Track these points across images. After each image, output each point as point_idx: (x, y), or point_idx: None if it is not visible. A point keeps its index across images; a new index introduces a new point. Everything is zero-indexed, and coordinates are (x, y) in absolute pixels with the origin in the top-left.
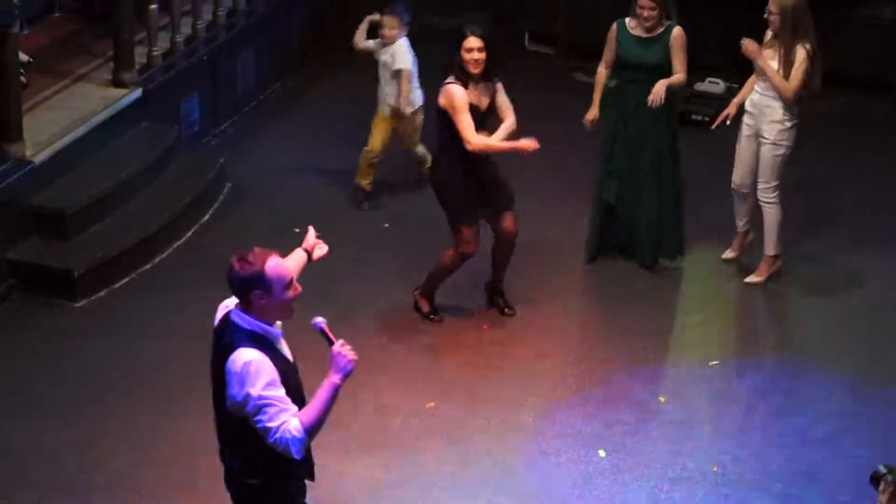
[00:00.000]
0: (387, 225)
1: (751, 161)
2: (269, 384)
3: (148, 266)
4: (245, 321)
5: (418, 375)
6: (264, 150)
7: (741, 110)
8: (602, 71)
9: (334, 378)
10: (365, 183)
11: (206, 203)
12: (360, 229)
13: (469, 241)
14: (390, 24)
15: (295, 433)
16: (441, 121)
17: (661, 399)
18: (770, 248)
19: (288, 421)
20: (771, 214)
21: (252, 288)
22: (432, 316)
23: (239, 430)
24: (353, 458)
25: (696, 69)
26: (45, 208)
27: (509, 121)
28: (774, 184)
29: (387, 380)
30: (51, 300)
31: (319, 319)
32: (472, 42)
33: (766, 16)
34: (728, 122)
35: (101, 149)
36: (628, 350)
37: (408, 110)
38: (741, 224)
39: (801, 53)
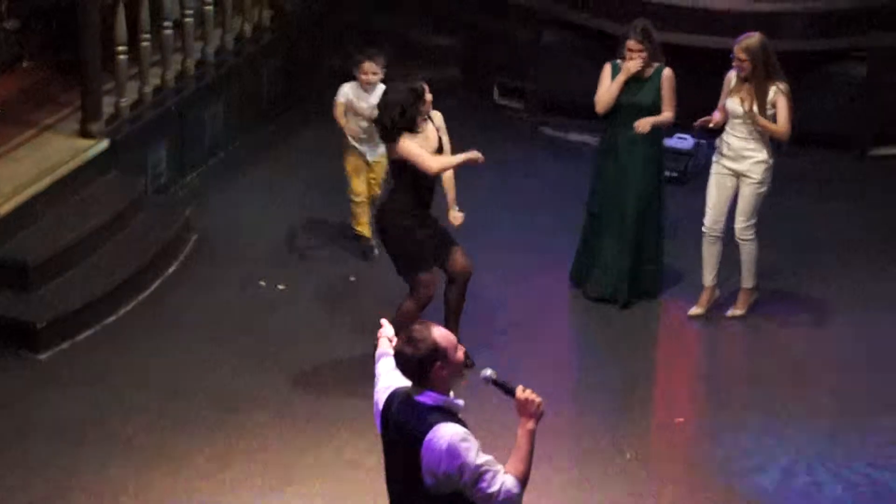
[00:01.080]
0: (352, 278)
1: (726, 202)
2: (479, 451)
3: (112, 318)
4: (431, 398)
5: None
6: (231, 202)
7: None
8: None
9: (529, 425)
10: (361, 229)
11: (172, 255)
12: (326, 281)
13: (428, 284)
14: (373, 70)
15: (514, 489)
16: (394, 172)
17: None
18: (749, 281)
19: (504, 481)
20: (750, 250)
21: (433, 362)
22: None
23: None
24: None
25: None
26: (7, 260)
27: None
28: (754, 221)
29: (348, 434)
30: (13, 352)
31: (489, 372)
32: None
33: (734, 63)
34: (711, 125)
35: (67, 200)
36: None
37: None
38: (710, 277)
39: (781, 93)
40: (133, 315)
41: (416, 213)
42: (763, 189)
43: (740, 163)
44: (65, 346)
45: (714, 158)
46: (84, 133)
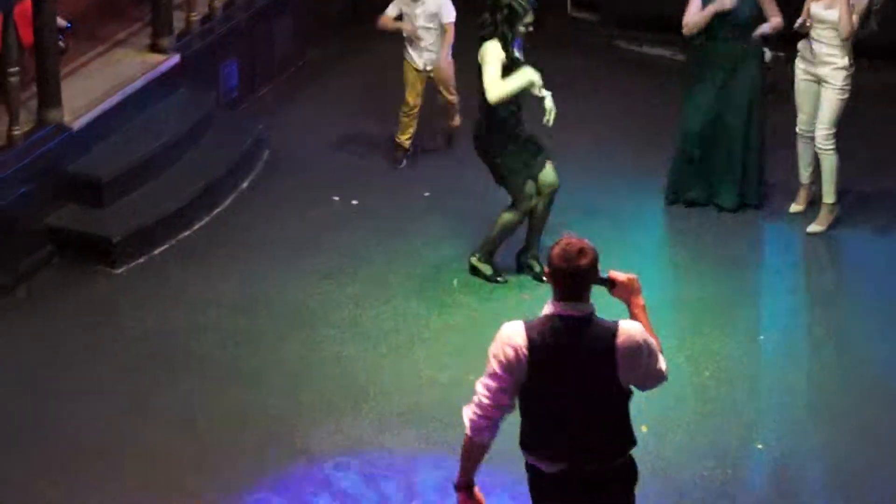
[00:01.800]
0: (427, 194)
1: (814, 104)
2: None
3: (186, 233)
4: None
5: (457, 347)
6: (304, 117)
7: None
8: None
9: (640, 301)
10: (404, 138)
11: (245, 170)
12: (400, 198)
13: (529, 196)
14: None
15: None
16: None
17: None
18: (830, 196)
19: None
20: (831, 161)
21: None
22: (498, 278)
23: (622, 411)
24: (393, 433)
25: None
26: (82, 175)
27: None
28: (835, 130)
29: (425, 352)
30: (90, 266)
31: None
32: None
33: None
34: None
35: (138, 115)
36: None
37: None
38: (806, 175)
39: None
40: (207, 230)
41: (509, 127)
42: (845, 95)
43: (821, 68)
44: (141, 260)
45: (797, 63)
46: (155, 48)
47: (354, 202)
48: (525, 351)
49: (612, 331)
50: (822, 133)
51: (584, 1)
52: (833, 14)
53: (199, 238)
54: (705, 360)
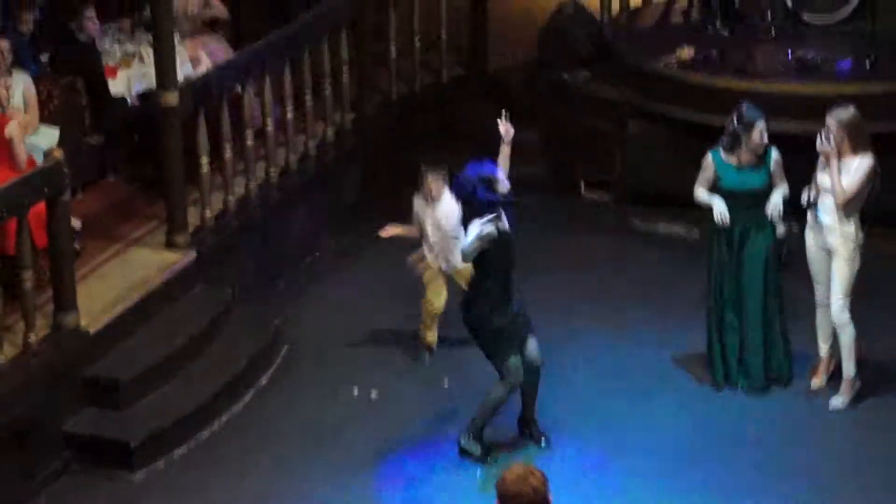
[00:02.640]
0: (446, 386)
1: (827, 272)
2: None
3: (206, 433)
4: None
5: None
6: (320, 310)
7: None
8: (700, 189)
9: None
10: (430, 337)
11: (263, 366)
12: (418, 387)
13: (517, 369)
14: (437, 181)
15: None
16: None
17: None
18: (851, 368)
19: None
20: (848, 333)
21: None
22: (488, 457)
23: None
24: None
25: None
26: (100, 378)
27: None
28: (848, 301)
29: None
30: (109, 472)
31: None
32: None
33: (824, 132)
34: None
35: (156, 314)
36: None
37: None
38: (826, 347)
39: (863, 165)
40: (227, 428)
41: (495, 298)
42: (855, 265)
43: (829, 237)
44: (160, 463)
45: (807, 233)
46: (170, 245)
47: (374, 395)
48: None
49: None
50: (836, 305)
51: (597, 182)
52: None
53: (219, 437)
54: None
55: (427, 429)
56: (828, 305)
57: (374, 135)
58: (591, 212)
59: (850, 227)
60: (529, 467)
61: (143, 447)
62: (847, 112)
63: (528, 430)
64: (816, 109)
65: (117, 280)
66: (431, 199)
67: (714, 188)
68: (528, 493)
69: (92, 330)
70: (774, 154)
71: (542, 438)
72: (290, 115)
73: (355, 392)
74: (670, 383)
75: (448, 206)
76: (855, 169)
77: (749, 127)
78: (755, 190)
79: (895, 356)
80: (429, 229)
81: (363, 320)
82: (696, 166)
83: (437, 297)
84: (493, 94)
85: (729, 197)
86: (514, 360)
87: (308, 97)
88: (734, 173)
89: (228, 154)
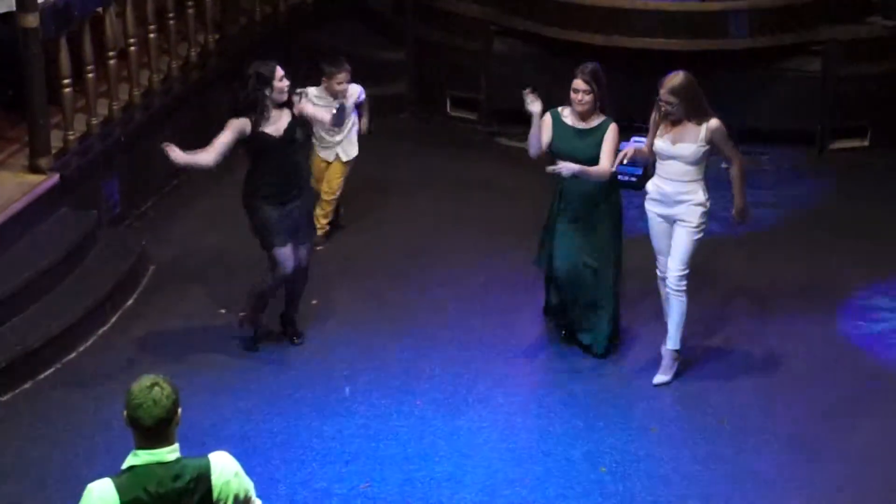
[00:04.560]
0: (314, 302)
1: (669, 246)
2: None
3: (73, 355)
4: (177, 448)
5: (351, 456)
6: (187, 231)
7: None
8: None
9: None
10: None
11: (130, 287)
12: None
13: (284, 261)
14: (347, 79)
15: None
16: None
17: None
18: (675, 342)
19: None
20: (682, 304)
21: (176, 410)
22: (256, 345)
23: None
24: None
25: (620, 130)
26: None
27: None
28: (688, 271)
29: (318, 463)
30: None
31: None
32: (279, 72)
33: (661, 106)
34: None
35: (19, 237)
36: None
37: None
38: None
39: (713, 129)
40: (94, 350)
41: (264, 193)
42: (700, 234)
43: (674, 207)
44: (26, 385)
45: (646, 205)
46: (33, 168)
47: (242, 314)
48: None
49: (206, 468)
50: (675, 274)
51: (463, 100)
52: (684, 148)
53: (86, 359)
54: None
55: (296, 350)
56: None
57: (238, 56)
58: (458, 130)
59: (700, 194)
60: (158, 378)
61: (9, 369)
62: (679, 79)
63: (286, 329)
64: (682, 24)
65: None
66: (340, 96)
67: (550, 150)
68: (151, 404)
69: None
70: (611, 126)
71: (296, 337)
72: (152, 36)
73: (222, 312)
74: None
75: (351, 103)
76: (718, 138)
77: (570, 80)
78: (578, 157)
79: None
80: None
81: (230, 241)
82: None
83: (334, 182)
84: (360, 15)
85: (556, 159)
86: (281, 252)
87: (171, 17)
88: (568, 136)
89: (91, 76)
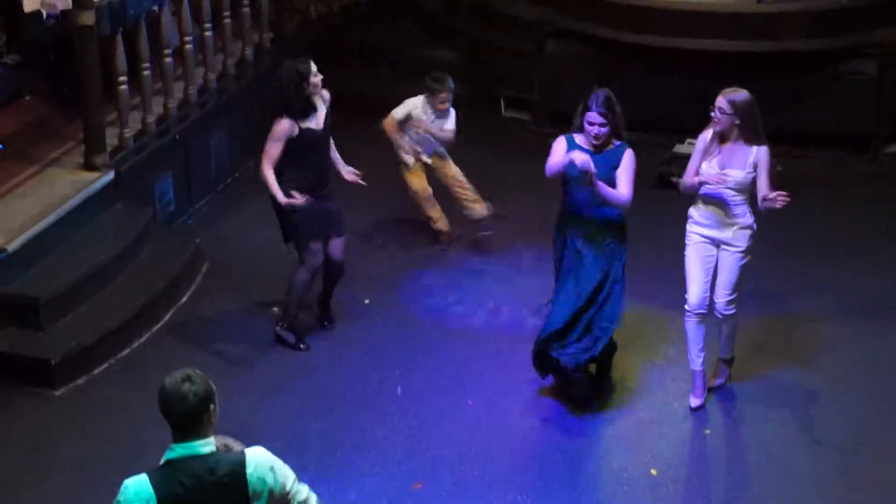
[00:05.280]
0: (367, 301)
1: (709, 274)
2: None
3: (126, 351)
4: (213, 443)
5: (402, 456)
6: (241, 229)
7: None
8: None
9: None
10: (440, 223)
11: (184, 285)
12: (341, 306)
13: (315, 254)
14: (445, 97)
15: None
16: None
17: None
18: (729, 352)
19: None
20: (733, 323)
21: (208, 405)
22: (301, 346)
23: None
24: None
25: (675, 131)
26: (18, 297)
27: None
28: (737, 295)
29: (369, 463)
30: (29, 389)
31: None
32: (314, 68)
33: (713, 113)
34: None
35: (74, 234)
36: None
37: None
38: (700, 361)
39: (762, 154)
40: (147, 347)
41: (298, 187)
42: (748, 259)
43: (722, 230)
44: (80, 381)
45: (689, 227)
46: (88, 166)
47: (279, 323)
48: None
49: (241, 463)
50: (724, 300)
51: (517, 101)
52: (733, 174)
53: (140, 355)
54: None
55: (348, 350)
56: (703, 313)
57: (292, 54)
58: (511, 130)
59: (749, 217)
60: (190, 372)
61: (63, 364)
62: (742, 96)
63: (320, 312)
64: (737, 26)
65: (35, 200)
66: (441, 112)
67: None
68: (181, 398)
69: (10, 249)
70: (627, 153)
71: (327, 321)
72: (208, 34)
73: (275, 311)
74: None
75: (451, 117)
76: (761, 164)
77: (584, 110)
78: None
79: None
80: (425, 132)
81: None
82: (614, 86)
83: (416, 182)
84: (414, 15)
85: (568, 185)
86: (313, 246)
87: (227, 16)
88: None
89: (146, 73)
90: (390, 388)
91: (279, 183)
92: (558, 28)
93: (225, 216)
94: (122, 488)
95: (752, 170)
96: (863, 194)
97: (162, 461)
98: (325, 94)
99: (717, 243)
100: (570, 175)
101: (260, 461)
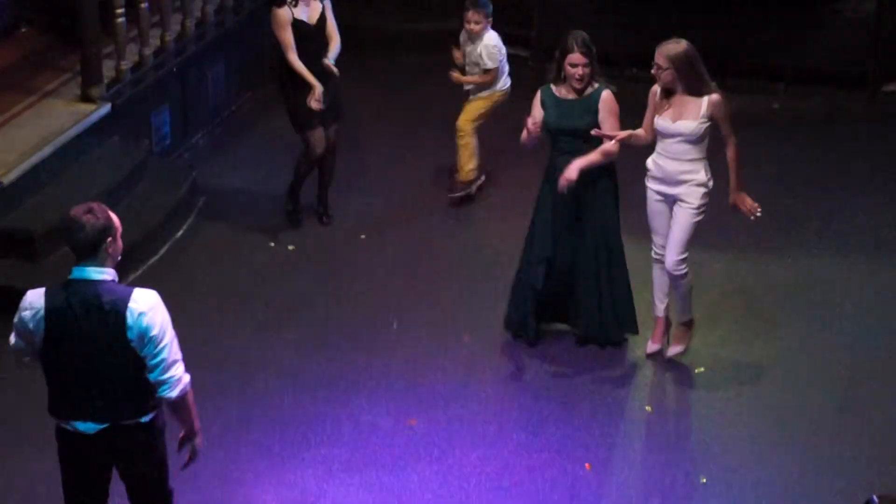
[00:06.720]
0: (363, 237)
1: (668, 225)
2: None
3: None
4: (109, 273)
5: (397, 392)
6: (239, 162)
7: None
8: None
9: None
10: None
11: (180, 218)
12: (335, 241)
13: (316, 143)
14: (475, 19)
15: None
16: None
17: (648, 408)
18: (686, 315)
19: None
20: (686, 284)
21: (105, 237)
22: (300, 215)
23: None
24: (335, 480)
25: None
26: (14, 229)
27: (334, 44)
28: (688, 254)
29: (365, 398)
30: None
31: None
32: None
33: (654, 70)
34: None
35: (70, 166)
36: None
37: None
38: (662, 307)
39: (714, 104)
40: (143, 280)
41: (299, 80)
42: (701, 216)
43: (675, 187)
44: None
45: (646, 181)
46: (85, 97)
47: (291, 247)
48: (42, 315)
49: (126, 299)
50: (675, 257)
51: (516, 37)
52: (690, 124)
53: None
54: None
55: (343, 286)
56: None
57: None
58: (510, 67)
59: (702, 174)
60: (96, 206)
61: None
62: (678, 47)
63: (318, 209)
64: None
65: (31, 132)
66: (472, 35)
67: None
68: (79, 227)
69: (6, 181)
70: (605, 94)
71: (326, 217)
72: None
73: (272, 245)
74: None
75: (492, 44)
76: (717, 113)
77: (562, 54)
78: (573, 129)
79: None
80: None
81: (280, 173)
82: (613, 22)
83: (471, 161)
84: None
85: (555, 137)
86: (312, 135)
87: None
88: (559, 108)
89: (144, 5)
90: (387, 321)
91: (283, 74)
92: None
93: (222, 150)
94: (25, 295)
95: (705, 119)
96: (860, 132)
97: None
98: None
99: (671, 200)
100: (551, 128)
101: (146, 304)
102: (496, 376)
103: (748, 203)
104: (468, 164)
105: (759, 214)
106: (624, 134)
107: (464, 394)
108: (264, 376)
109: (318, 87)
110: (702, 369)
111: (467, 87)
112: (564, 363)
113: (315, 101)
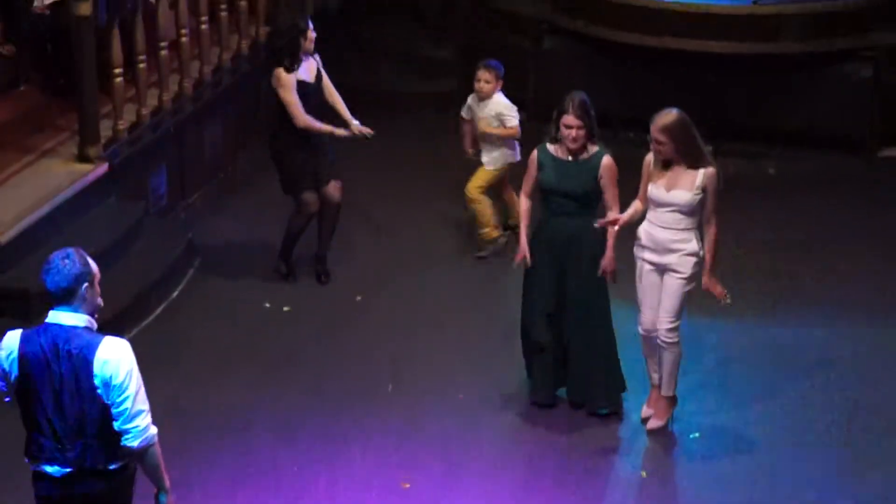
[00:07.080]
0: (358, 298)
1: (658, 298)
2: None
3: None
4: (83, 319)
5: (391, 453)
6: (235, 223)
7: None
8: (525, 201)
9: None
10: (487, 231)
11: (176, 278)
12: (331, 302)
13: (310, 203)
14: (486, 78)
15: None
16: (277, 100)
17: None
18: (670, 389)
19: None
20: (675, 354)
21: (82, 283)
22: (290, 277)
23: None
24: None
25: None
26: (9, 289)
27: (340, 102)
28: (679, 322)
29: (359, 462)
30: None
31: None
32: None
33: (652, 146)
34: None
35: (67, 226)
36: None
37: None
38: (657, 377)
39: (709, 178)
40: (138, 340)
41: (296, 138)
42: (692, 285)
43: (666, 256)
44: None
45: (635, 250)
46: (82, 157)
47: (286, 308)
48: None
49: (94, 345)
50: (666, 326)
51: (512, 99)
52: (682, 195)
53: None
54: None
55: (335, 342)
56: (656, 334)
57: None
58: None
59: (694, 243)
60: (73, 251)
61: None
62: (671, 118)
63: (317, 268)
64: (732, 27)
65: (28, 191)
66: (481, 95)
67: (540, 187)
68: (56, 271)
69: (2, 240)
70: (605, 160)
71: (324, 276)
72: (205, 27)
73: (267, 305)
74: None
75: (496, 105)
76: (710, 187)
77: (558, 114)
78: (572, 192)
79: None
80: (478, 125)
81: (276, 234)
82: (610, 84)
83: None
84: (409, 11)
85: (550, 198)
86: (307, 196)
87: (223, 9)
88: (557, 169)
89: (143, 66)
90: (382, 381)
91: (278, 135)
92: (555, 26)
93: (218, 211)
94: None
95: (699, 192)
96: (856, 197)
97: None
98: (317, 57)
99: (661, 269)
100: (548, 188)
101: (114, 353)
102: (491, 437)
103: (718, 290)
104: (488, 223)
105: (728, 302)
106: (627, 217)
107: (458, 452)
108: (260, 429)
109: (337, 129)
110: (697, 434)
111: (482, 156)
112: (559, 425)
113: (356, 128)
